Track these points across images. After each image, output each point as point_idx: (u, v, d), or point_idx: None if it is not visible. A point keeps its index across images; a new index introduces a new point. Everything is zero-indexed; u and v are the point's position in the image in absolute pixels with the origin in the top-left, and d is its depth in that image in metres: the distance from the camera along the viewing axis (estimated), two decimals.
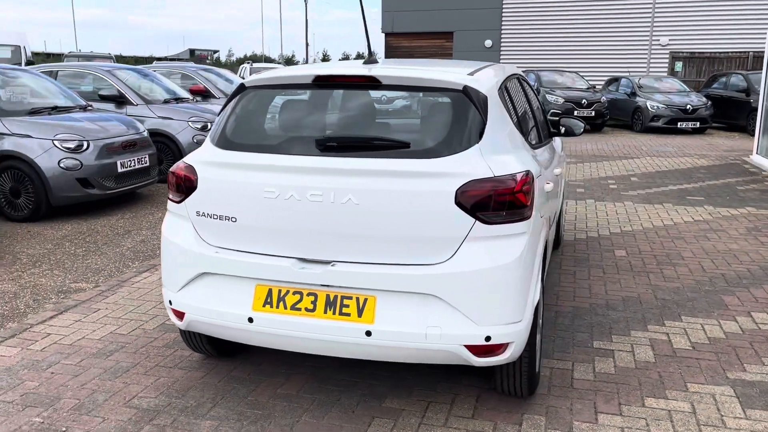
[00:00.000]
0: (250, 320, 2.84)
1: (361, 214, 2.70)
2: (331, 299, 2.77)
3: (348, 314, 2.74)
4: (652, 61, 25.67)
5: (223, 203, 2.89)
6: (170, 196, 3.11)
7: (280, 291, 2.82)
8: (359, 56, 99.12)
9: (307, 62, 54.99)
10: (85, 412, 3.03)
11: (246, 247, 2.89)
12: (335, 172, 2.73)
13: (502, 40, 30.49)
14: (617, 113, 17.87)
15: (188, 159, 3.07)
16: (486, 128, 2.85)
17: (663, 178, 9.56)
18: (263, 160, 2.84)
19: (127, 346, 3.74)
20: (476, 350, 2.72)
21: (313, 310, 2.78)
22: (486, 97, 2.94)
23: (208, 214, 2.94)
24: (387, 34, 32.83)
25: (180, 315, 3.04)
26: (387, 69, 3.07)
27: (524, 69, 20.12)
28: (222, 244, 2.93)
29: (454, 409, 3.06)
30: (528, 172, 2.87)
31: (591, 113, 16.67)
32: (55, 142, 6.54)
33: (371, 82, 2.97)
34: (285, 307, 2.81)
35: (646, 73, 25.13)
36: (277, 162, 2.81)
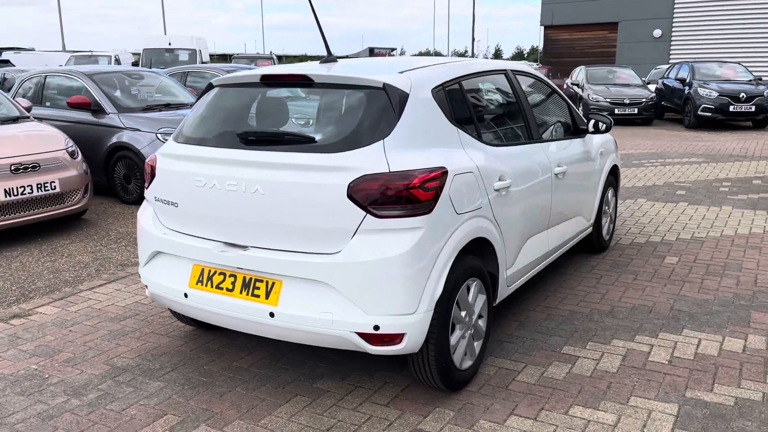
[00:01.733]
0: (186, 296, 3.18)
1: (267, 204, 2.93)
2: (247, 281, 3.03)
3: (258, 296, 2.98)
4: None
5: (170, 190, 3.26)
6: (145, 183, 3.55)
7: (209, 271, 3.14)
8: (533, 51, 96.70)
9: (474, 57, 54.90)
10: (71, 365, 3.57)
11: (185, 230, 3.24)
12: (247, 164, 2.98)
13: (674, 29, 28.34)
14: None
15: (157, 151, 3.48)
16: (398, 125, 2.93)
17: None
18: (197, 152, 3.17)
19: (140, 314, 4.27)
20: (368, 338, 2.84)
21: (232, 290, 3.05)
22: (406, 94, 3.02)
23: (161, 199, 3.33)
24: (546, 27, 31.92)
25: (146, 288, 3.47)
26: (320, 68, 3.25)
27: (691, 60, 18.62)
28: (170, 226, 3.31)
29: (374, 396, 3.18)
30: (439, 169, 2.91)
31: (750, 108, 15.14)
32: (158, 135, 7.41)
33: (305, 81, 3.18)
34: (212, 286, 3.11)
35: None
36: (205, 154, 3.12)
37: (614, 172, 5.54)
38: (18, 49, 28.12)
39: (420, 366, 3.04)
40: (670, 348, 3.64)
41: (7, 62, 22.05)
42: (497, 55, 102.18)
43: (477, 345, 3.35)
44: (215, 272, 3.12)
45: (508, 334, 3.88)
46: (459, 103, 3.37)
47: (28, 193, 5.88)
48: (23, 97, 8.51)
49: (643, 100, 16.57)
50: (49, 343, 3.85)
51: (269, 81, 3.29)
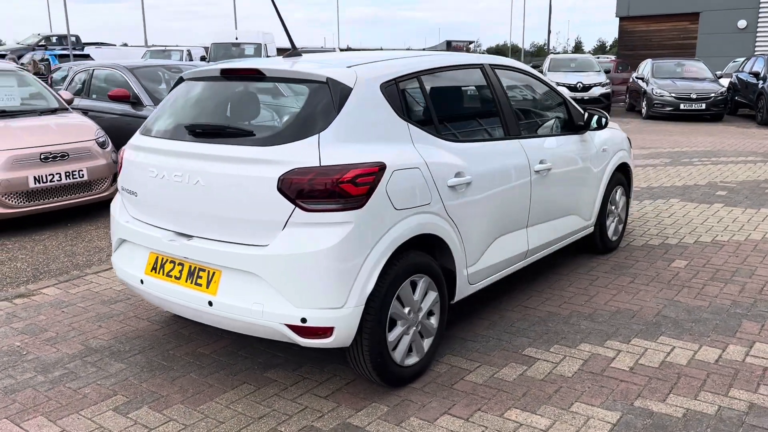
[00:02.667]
0: (142, 282, 3.31)
1: (207, 196, 3.01)
2: (191, 270, 3.12)
3: (200, 285, 3.07)
4: None
5: (132, 180, 3.40)
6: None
7: (162, 259, 3.25)
8: (615, 44, 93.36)
9: (548, 50, 53.73)
10: (51, 344, 3.78)
11: (144, 219, 3.36)
12: (190, 156, 3.07)
13: (760, 20, 26.73)
14: None
15: (128, 143, 3.62)
16: (338, 119, 2.95)
17: None
18: (153, 144, 3.29)
19: (131, 299, 4.46)
20: (298, 330, 2.87)
21: (180, 278, 3.16)
22: (349, 89, 3.02)
23: (125, 188, 3.47)
24: (622, 19, 30.77)
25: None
26: (272, 63, 3.29)
27: None
28: (133, 215, 3.45)
29: (318, 388, 3.22)
30: (376, 164, 2.90)
31: None
32: None
33: (258, 75, 3.24)
34: (163, 273, 3.23)
35: None
36: (158, 146, 3.24)
37: (624, 170, 5.32)
38: (100, 44, 29.66)
39: (356, 360, 3.06)
40: (638, 355, 3.50)
41: (87, 56, 23.29)
42: (577, 47, 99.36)
43: (426, 342, 3.32)
44: (167, 260, 3.23)
45: (475, 332, 3.82)
46: (414, 99, 3.34)
47: (57, 180, 6.23)
48: (75, 88, 9.00)
49: (712, 95, 15.78)
50: (40, 322, 4.09)
51: (228, 75, 3.36)
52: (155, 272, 3.27)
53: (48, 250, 5.67)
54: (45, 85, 7.57)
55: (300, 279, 2.82)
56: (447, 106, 3.64)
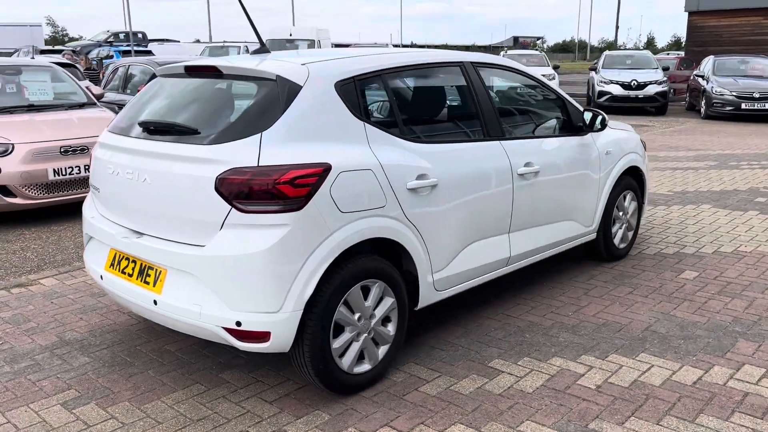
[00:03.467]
0: (102, 277, 3.34)
1: (153, 194, 2.99)
2: (142, 268, 3.11)
3: (149, 283, 3.06)
4: None
5: (96, 177, 3.43)
6: None
7: (119, 255, 3.26)
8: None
9: (616, 46, 52.05)
10: (29, 334, 3.86)
11: (106, 215, 3.38)
12: (140, 153, 3.06)
13: None
14: None
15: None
16: (283, 117, 2.87)
17: None
18: (112, 140, 3.30)
19: None
20: (234, 333, 2.82)
21: (132, 275, 3.16)
22: (298, 87, 2.95)
23: (92, 185, 3.50)
24: (691, 14, 29.45)
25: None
26: (231, 60, 3.24)
27: None
28: (99, 211, 3.47)
29: (267, 392, 3.16)
30: (319, 165, 2.82)
31: None
32: None
33: (216, 72, 3.20)
34: (119, 270, 3.24)
35: None
36: (115, 143, 3.25)
37: (634, 174, 5.04)
38: (163, 40, 30.57)
39: (298, 366, 2.98)
40: (610, 372, 3.28)
41: (149, 52, 24.02)
42: (649, 43, 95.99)
43: (382, 350, 3.21)
44: (123, 257, 3.23)
45: (446, 340, 3.68)
46: (376, 98, 3.23)
47: (76, 173, 6.40)
48: (114, 84, 9.27)
49: None
50: (27, 312, 4.19)
51: (191, 72, 3.34)
52: (113, 268, 3.28)
53: (61, 240, 5.83)
54: (75, 80, 7.81)
55: (235, 281, 2.76)
56: (415, 106, 3.52)
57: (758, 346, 3.55)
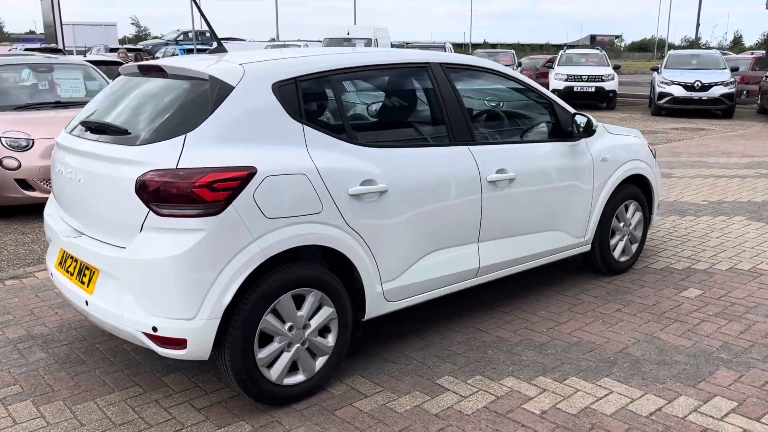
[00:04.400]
0: (52, 275, 3.36)
1: (86, 193, 2.99)
2: (81, 267, 3.11)
3: (84, 283, 3.06)
4: None
5: (52, 176, 3.46)
6: None
7: (65, 254, 3.28)
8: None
9: (697, 44, 49.86)
10: (2, 326, 3.95)
11: (59, 213, 3.40)
12: (76, 153, 3.07)
13: None
14: None
15: None
16: (210, 119, 2.80)
17: None
18: (62, 139, 3.32)
19: None
20: (153, 339, 2.77)
21: (73, 274, 3.16)
22: (230, 87, 2.87)
23: (51, 183, 3.54)
24: None
25: None
26: (176, 60, 3.20)
27: None
28: (55, 210, 3.50)
29: (199, 399, 3.10)
30: (243, 169, 2.74)
31: None
32: None
33: (161, 72, 3.16)
34: (64, 269, 3.25)
35: None
36: (62, 141, 3.27)
37: (639, 182, 4.72)
38: (228, 39, 31.30)
39: (223, 375, 2.91)
40: (562, 397, 3.05)
41: (221, 49, 24.61)
42: (736, 42, 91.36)
43: (319, 361, 3.10)
44: (68, 256, 3.25)
45: (402, 352, 3.53)
46: (319, 100, 3.12)
47: None
48: None
49: None
50: (9, 304, 4.29)
51: (143, 71, 3.32)
52: (60, 267, 3.30)
53: None
54: (106, 78, 8.02)
55: (151, 286, 2.72)
56: (367, 109, 3.38)
57: (739, 377, 3.23)
